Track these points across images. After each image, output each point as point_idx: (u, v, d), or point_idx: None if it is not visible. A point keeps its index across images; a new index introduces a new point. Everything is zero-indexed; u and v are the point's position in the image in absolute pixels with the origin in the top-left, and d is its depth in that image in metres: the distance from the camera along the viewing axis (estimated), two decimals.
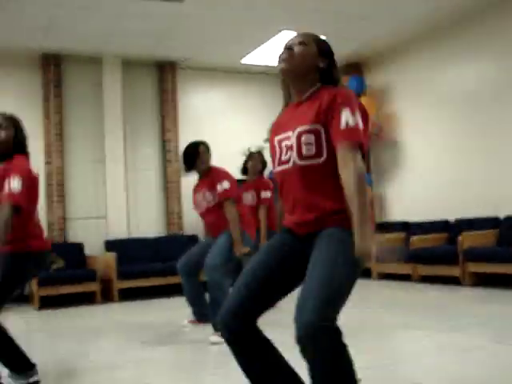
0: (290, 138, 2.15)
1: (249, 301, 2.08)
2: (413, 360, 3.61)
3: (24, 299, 7.34)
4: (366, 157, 2.14)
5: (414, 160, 8.55)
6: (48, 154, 8.01)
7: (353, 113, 2.05)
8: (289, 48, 2.21)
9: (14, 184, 3.02)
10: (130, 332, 5.21)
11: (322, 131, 2.08)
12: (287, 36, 6.97)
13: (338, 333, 1.87)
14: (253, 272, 2.12)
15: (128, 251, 7.80)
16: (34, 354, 3.27)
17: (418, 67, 8.44)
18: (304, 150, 2.09)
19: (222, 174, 4.69)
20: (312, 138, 2.08)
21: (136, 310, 6.62)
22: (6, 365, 3.16)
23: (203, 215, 4.84)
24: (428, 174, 8.24)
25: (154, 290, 7.60)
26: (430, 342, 4.06)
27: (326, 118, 2.08)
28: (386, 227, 8.41)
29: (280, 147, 2.20)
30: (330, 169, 2.08)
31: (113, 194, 8.33)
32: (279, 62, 2.23)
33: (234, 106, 9.29)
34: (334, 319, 1.87)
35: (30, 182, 3.14)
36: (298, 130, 2.11)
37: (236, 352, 2.09)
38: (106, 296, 7.37)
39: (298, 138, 2.10)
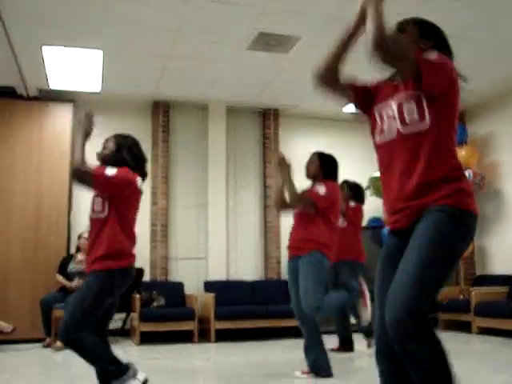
0: (391, 105, 2.16)
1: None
2: None
3: (125, 334, 7.63)
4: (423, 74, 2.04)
5: None
6: (154, 195, 8.39)
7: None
8: None
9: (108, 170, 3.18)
10: (225, 373, 5.28)
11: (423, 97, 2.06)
12: None
13: (427, 326, 1.88)
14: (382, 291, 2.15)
15: (226, 293, 7.90)
16: None
17: None
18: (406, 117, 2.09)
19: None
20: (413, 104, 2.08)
21: (232, 351, 6.66)
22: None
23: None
24: None
25: (250, 333, 7.66)
26: None
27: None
28: (486, 280, 8.14)
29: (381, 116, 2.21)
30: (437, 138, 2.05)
31: (214, 237, 8.53)
32: None
33: (335, 154, 9.30)
34: (423, 312, 1.89)
35: (125, 183, 3.22)
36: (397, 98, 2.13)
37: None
38: (203, 335, 7.51)
39: (399, 106, 2.11)
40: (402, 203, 2.12)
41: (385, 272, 2.18)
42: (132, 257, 3.27)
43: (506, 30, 6.25)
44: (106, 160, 3.33)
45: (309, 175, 4.91)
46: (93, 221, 3.24)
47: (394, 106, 2.13)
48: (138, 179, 3.32)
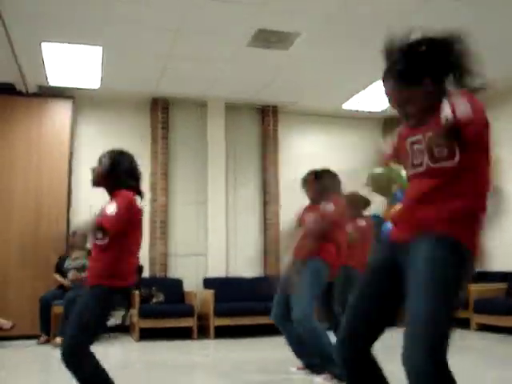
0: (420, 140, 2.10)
1: (364, 324, 2.10)
2: None
3: (124, 330, 7.66)
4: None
5: None
6: (153, 192, 8.40)
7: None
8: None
9: (109, 209, 2.97)
10: (224, 369, 5.31)
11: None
12: None
13: (446, 365, 1.83)
14: (364, 297, 2.14)
15: (225, 289, 7.94)
16: None
17: None
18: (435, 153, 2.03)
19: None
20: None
21: (231, 348, 6.71)
22: None
23: None
24: None
25: (249, 329, 7.67)
26: None
27: None
28: (485, 277, 8.16)
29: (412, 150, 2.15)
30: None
31: (213, 233, 8.55)
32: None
33: (333, 150, 9.33)
34: (444, 358, 1.84)
35: (129, 212, 3.02)
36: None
37: (349, 376, 2.12)
38: (202, 332, 7.54)
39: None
40: (409, 210, 2.12)
41: (370, 288, 2.15)
42: (134, 276, 3.11)
43: (506, 30, 6.25)
44: (100, 176, 3.16)
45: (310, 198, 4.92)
46: (95, 246, 3.08)
47: (423, 140, 2.09)
48: (137, 198, 3.13)
